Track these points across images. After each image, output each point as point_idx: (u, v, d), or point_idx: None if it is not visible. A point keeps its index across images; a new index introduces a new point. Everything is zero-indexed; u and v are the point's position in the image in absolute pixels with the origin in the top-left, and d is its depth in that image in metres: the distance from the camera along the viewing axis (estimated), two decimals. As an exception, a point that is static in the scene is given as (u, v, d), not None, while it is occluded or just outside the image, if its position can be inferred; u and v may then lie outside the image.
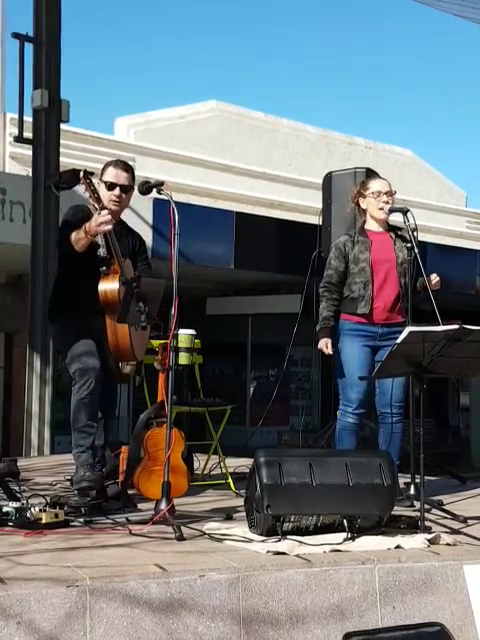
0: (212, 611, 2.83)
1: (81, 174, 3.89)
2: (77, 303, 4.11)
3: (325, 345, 4.58)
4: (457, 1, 8.60)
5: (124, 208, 4.33)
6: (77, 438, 4.10)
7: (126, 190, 4.22)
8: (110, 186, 4.19)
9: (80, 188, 4.10)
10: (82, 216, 4.07)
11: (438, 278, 4.56)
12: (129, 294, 4.00)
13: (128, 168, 4.26)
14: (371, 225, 4.73)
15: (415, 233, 4.46)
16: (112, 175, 4.20)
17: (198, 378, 5.51)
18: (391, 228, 4.75)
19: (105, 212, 3.90)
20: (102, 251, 4.04)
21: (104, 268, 4.03)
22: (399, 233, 4.69)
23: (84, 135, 10.99)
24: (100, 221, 3.89)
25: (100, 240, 4.05)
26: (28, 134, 8.02)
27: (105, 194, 4.18)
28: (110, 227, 3.94)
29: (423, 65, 38.56)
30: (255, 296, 11.97)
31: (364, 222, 4.76)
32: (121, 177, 4.20)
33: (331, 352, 4.57)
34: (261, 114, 13.71)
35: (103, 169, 4.27)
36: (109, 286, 4.02)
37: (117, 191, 4.19)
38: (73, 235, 4.00)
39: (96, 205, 3.93)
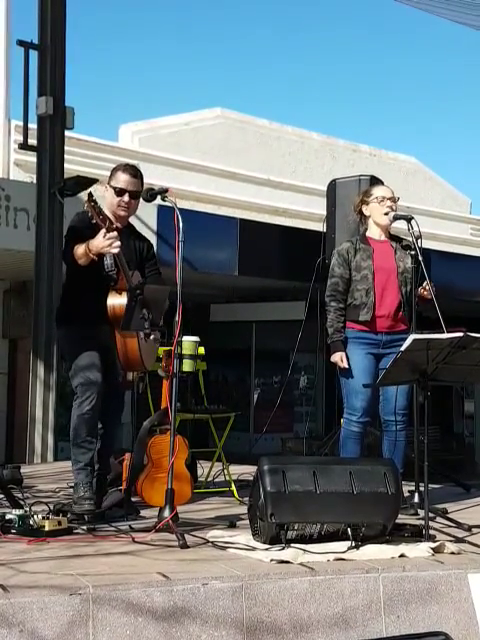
0: (215, 619, 2.82)
1: (85, 197, 3.85)
2: (84, 310, 4.10)
3: (340, 359, 4.55)
4: (453, 8, 8.60)
5: (132, 213, 4.32)
6: (76, 454, 4.08)
7: (135, 196, 4.19)
8: (119, 192, 4.17)
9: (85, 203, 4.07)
10: (89, 222, 4.07)
11: (428, 287, 4.52)
12: (133, 301, 4.00)
13: (137, 173, 4.23)
14: (373, 232, 4.72)
15: (419, 241, 4.46)
16: (121, 180, 4.17)
17: (202, 385, 5.50)
18: (393, 237, 4.75)
19: (111, 234, 3.86)
20: (108, 261, 4.02)
21: (112, 283, 4.02)
22: (403, 243, 4.69)
23: (89, 142, 11.00)
24: (105, 245, 3.86)
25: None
26: (33, 141, 8.03)
27: (113, 199, 4.18)
28: (117, 250, 3.90)
29: (427, 72, 38.59)
30: (259, 303, 11.95)
31: (366, 229, 4.76)
32: (130, 183, 4.17)
33: (347, 366, 4.55)
34: (266, 121, 13.72)
35: (112, 173, 4.25)
36: (117, 301, 4.01)
37: (126, 197, 4.17)
38: (76, 249, 3.98)
39: (102, 225, 3.87)
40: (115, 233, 3.87)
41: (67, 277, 4.35)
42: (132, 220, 4.47)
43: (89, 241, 3.92)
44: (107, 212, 4.24)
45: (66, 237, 4.23)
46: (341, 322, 4.60)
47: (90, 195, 3.86)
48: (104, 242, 3.86)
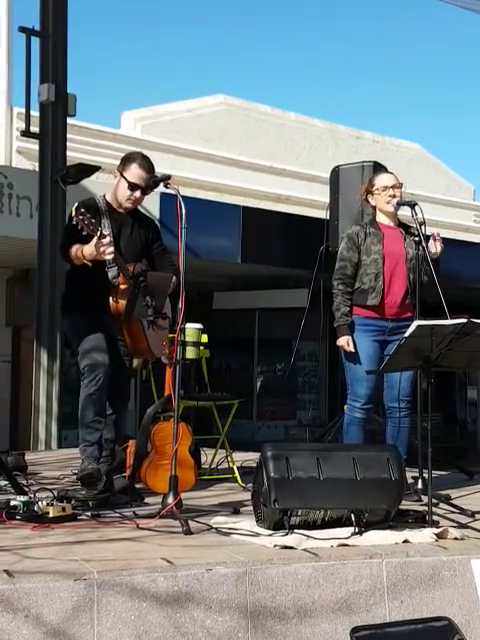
0: (219, 605, 2.83)
1: (73, 212, 3.82)
2: (88, 297, 4.11)
3: (346, 343, 4.53)
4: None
5: (138, 205, 4.31)
6: (84, 433, 4.11)
7: (145, 191, 4.18)
8: (132, 187, 4.14)
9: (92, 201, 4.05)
10: (93, 206, 4.07)
11: (439, 246, 4.46)
12: (136, 288, 4.00)
13: (152, 168, 4.19)
14: (382, 219, 4.71)
15: (423, 227, 4.44)
16: (137, 176, 4.13)
17: (205, 372, 5.51)
18: (401, 224, 4.74)
19: (106, 241, 3.85)
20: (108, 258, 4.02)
21: (114, 281, 4.01)
22: (409, 229, 4.68)
23: (91, 129, 10.98)
24: (98, 254, 3.86)
25: (106, 230, 4.02)
26: (35, 128, 8.02)
27: (125, 192, 4.15)
28: (111, 256, 3.92)
29: (431, 58, 38.40)
30: (262, 290, 11.94)
31: (375, 216, 4.74)
32: (144, 179, 4.14)
33: (353, 349, 4.54)
34: (268, 108, 13.67)
35: (127, 163, 4.18)
36: (119, 298, 4.03)
37: (138, 193, 4.17)
38: (72, 251, 3.99)
39: (92, 234, 3.84)
40: (107, 240, 3.85)
41: (70, 265, 4.35)
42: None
43: (82, 248, 3.91)
44: (110, 198, 4.22)
45: (65, 227, 4.22)
46: (348, 306, 4.58)
47: (78, 208, 3.83)
48: (96, 252, 3.87)
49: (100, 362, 4.05)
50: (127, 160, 4.20)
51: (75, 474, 4.56)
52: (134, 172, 4.15)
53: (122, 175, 4.17)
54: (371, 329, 4.57)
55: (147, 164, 4.18)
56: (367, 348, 4.55)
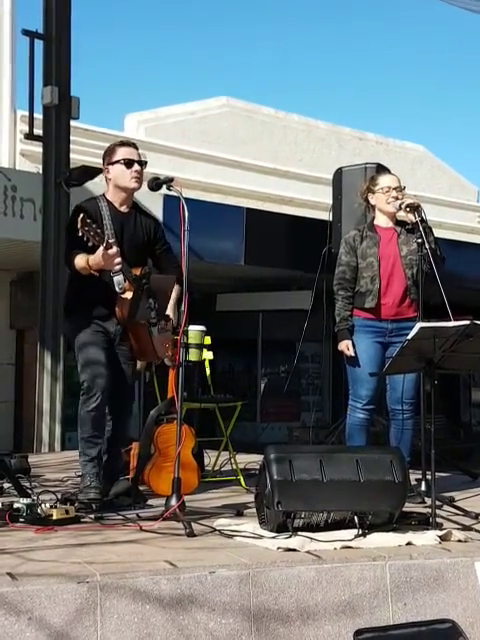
0: (222, 607, 2.83)
1: (78, 223, 3.81)
2: (91, 299, 4.10)
3: (346, 347, 4.56)
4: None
5: (141, 185, 4.29)
6: (83, 447, 4.11)
7: (142, 165, 4.21)
8: (128, 163, 4.16)
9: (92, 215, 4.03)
10: (92, 207, 4.08)
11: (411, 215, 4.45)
12: (139, 291, 4.00)
13: (136, 146, 4.29)
14: (380, 220, 4.71)
15: (423, 225, 4.42)
16: (128, 153, 4.19)
17: (208, 374, 5.51)
18: (400, 223, 4.74)
19: (112, 251, 3.84)
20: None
21: (120, 290, 4.02)
22: (407, 227, 4.67)
23: (94, 132, 10.98)
24: (105, 264, 3.87)
25: (110, 232, 4.02)
26: (38, 131, 8.04)
27: (125, 173, 4.15)
28: (118, 268, 3.93)
29: (434, 60, 38.39)
30: (265, 292, 11.92)
31: (373, 217, 4.75)
32: (135, 154, 4.21)
33: (353, 354, 4.55)
34: (271, 110, 13.67)
35: (112, 151, 4.22)
36: (125, 303, 4.02)
37: (137, 167, 4.17)
38: (77, 261, 3.99)
39: (99, 243, 3.85)
40: (113, 251, 3.85)
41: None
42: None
43: (88, 258, 3.92)
44: (110, 196, 4.21)
45: (67, 232, 4.20)
46: (348, 310, 4.61)
47: (83, 219, 3.82)
48: (103, 263, 3.87)
49: (98, 375, 4.03)
50: (109, 151, 4.25)
51: (79, 476, 4.57)
52: (123, 151, 4.19)
53: (113, 163, 4.18)
54: (371, 331, 4.59)
55: (131, 143, 4.26)
56: (368, 349, 4.56)
